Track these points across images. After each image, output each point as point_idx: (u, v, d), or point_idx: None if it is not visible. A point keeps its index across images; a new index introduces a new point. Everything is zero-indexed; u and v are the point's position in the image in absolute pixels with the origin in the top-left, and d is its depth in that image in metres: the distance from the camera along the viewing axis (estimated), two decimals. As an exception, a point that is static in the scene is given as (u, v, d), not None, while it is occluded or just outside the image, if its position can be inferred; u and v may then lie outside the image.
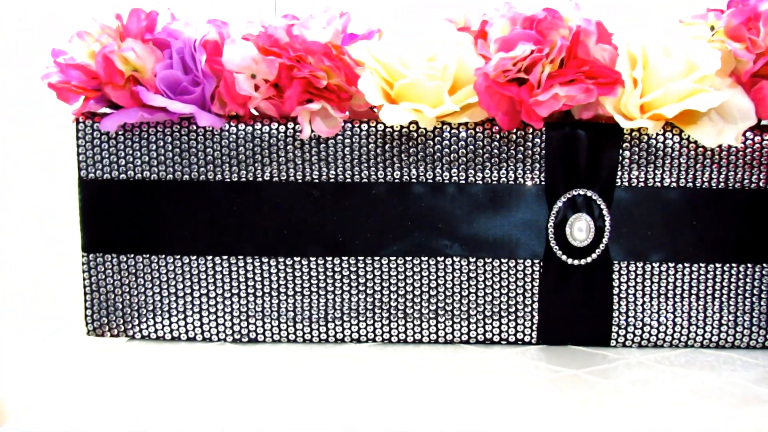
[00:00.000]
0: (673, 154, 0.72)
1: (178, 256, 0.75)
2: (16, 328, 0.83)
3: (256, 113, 0.74)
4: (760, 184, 0.73)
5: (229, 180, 0.73)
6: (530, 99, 0.68)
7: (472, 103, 0.69)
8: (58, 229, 0.97)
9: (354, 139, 0.72)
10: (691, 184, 0.73)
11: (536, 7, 0.74)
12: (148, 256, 0.75)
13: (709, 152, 0.72)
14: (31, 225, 0.98)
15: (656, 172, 0.73)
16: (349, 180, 0.73)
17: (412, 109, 0.68)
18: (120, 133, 0.73)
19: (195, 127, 0.72)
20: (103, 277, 0.76)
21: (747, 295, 0.75)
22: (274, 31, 0.71)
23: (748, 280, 0.74)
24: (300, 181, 0.73)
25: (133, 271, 0.75)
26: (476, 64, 0.70)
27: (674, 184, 0.73)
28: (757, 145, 0.72)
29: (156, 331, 0.76)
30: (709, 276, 0.74)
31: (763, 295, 0.75)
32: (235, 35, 0.74)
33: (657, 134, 0.72)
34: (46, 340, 0.80)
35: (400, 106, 0.68)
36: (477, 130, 0.72)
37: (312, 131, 0.71)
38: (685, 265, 0.74)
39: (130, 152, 0.73)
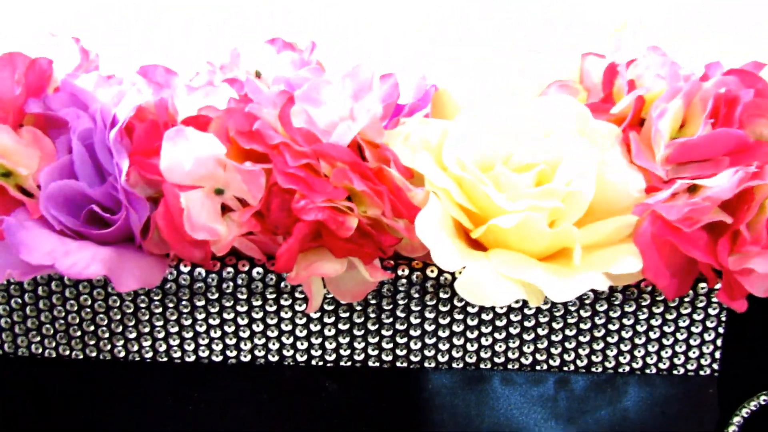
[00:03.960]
0: None
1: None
2: None
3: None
4: None
5: (179, 360, 0.38)
6: (738, 266, 0.33)
7: (625, 274, 0.34)
8: None
9: (398, 296, 0.37)
10: None
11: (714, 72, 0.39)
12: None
13: None
14: None
15: None
16: (389, 363, 0.38)
17: (520, 281, 0.33)
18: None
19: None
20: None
21: None
22: (256, 109, 0.35)
23: None
24: (304, 364, 0.38)
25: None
26: (622, 179, 0.35)
27: None
28: None
29: None
30: None
31: None
32: (185, 105, 0.37)
33: None
34: None
35: (497, 275, 0.33)
36: (611, 288, 0.37)
37: (324, 303, 0.36)
38: None
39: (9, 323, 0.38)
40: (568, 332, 0.38)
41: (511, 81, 0.41)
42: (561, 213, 0.34)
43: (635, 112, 0.36)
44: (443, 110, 0.41)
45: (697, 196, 0.32)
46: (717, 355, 0.38)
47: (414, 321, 0.37)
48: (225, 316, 0.36)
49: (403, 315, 0.37)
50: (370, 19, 0.92)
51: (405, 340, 0.37)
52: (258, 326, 0.37)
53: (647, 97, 0.37)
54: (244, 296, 0.36)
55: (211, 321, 0.37)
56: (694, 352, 0.38)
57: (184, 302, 0.36)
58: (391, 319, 0.37)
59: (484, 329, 0.37)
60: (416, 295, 0.36)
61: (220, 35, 0.70)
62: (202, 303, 0.36)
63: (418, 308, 0.37)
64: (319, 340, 0.37)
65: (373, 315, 0.37)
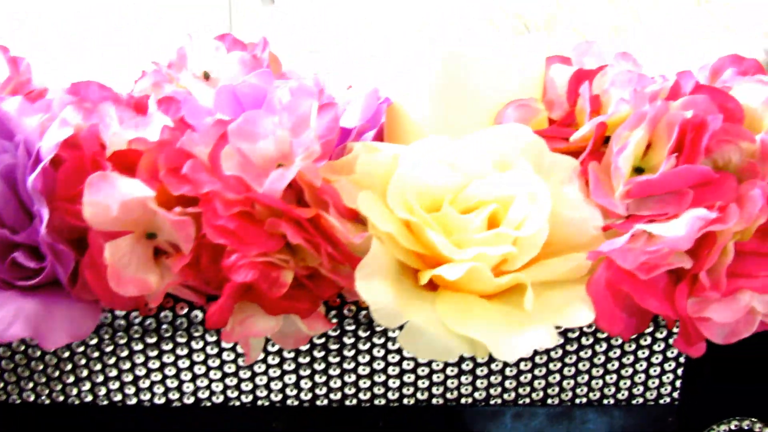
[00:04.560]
0: None
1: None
2: None
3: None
4: None
5: (121, 403, 0.36)
6: (696, 311, 0.31)
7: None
8: None
9: (345, 337, 0.35)
10: None
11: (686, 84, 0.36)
12: None
13: None
14: None
15: None
16: (337, 402, 0.37)
17: (464, 337, 0.31)
18: None
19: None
20: None
21: None
22: (188, 145, 0.32)
23: None
24: (249, 404, 0.37)
25: None
26: (579, 216, 0.33)
27: None
28: None
29: None
30: None
31: None
32: (115, 137, 0.34)
33: None
34: None
35: (442, 329, 0.31)
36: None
37: (267, 344, 0.34)
38: None
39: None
40: (522, 366, 0.36)
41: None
42: (512, 255, 0.32)
43: (596, 141, 0.33)
44: (397, 129, 0.38)
45: (654, 243, 0.30)
46: (677, 384, 0.37)
47: (362, 360, 0.35)
48: (165, 359, 0.35)
49: (351, 354, 0.35)
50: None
51: (353, 378, 0.36)
52: (200, 369, 0.35)
53: (610, 122, 0.34)
54: (184, 339, 0.34)
55: (150, 365, 0.35)
56: (653, 382, 0.37)
57: (121, 346, 0.34)
58: (338, 359, 0.35)
59: (435, 366, 0.36)
60: (364, 335, 0.35)
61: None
62: (140, 347, 0.34)
63: (366, 347, 0.35)
64: (264, 380, 0.35)
65: (319, 355, 0.35)
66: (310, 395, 0.36)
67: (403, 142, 0.37)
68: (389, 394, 0.36)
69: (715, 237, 0.30)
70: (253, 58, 0.45)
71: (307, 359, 0.35)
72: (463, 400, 0.36)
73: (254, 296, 0.30)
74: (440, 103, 0.37)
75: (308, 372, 0.35)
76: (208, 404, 0.36)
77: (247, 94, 0.40)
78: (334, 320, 0.34)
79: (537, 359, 0.36)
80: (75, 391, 0.35)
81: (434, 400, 0.36)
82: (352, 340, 0.35)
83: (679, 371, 0.37)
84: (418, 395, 0.36)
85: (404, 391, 0.36)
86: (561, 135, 0.35)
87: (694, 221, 0.29)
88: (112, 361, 0.35)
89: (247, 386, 0.35)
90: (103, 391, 0.35)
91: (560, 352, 0.36)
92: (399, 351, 0.35)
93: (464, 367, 0.36)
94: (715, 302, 0.31)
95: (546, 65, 0.39)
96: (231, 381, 0.35)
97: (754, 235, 0.31)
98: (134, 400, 0.35)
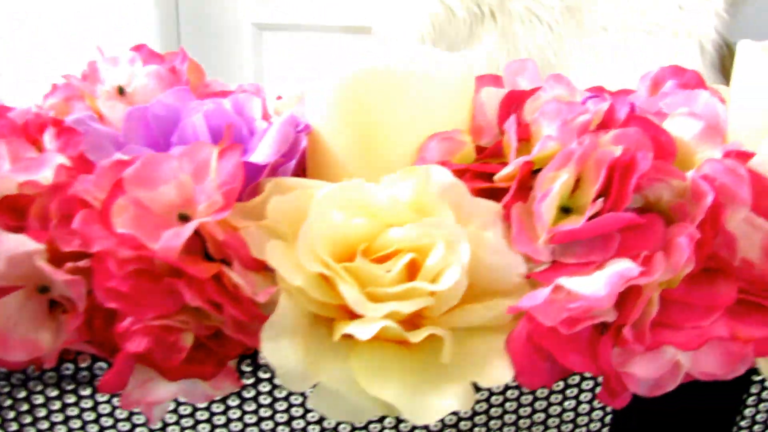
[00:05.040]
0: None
1: None
2: None
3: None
4: None
5: (26, 453, 0.34)
6: (619, 364, 0.30)
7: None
8: None
9: (261, 384, 0.34)
10: None
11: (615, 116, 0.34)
12: None
13: None
14: None
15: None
16: (256, 447, 0.35)
17: (380, 403, 0.29)
18: None
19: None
20: None
21: None
22: (82, 191, 0.29)
23: None
24: (164, 452, 0.35)
25: None
26: (501, 263, 0.31)
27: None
28: None
29: None
30: None
31: None
32: (7, 181, 0.32)
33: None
34: None
35: (354, 390, 0.29)
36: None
37: (176, 405, 0.32)
38: None
39: None
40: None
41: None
42: (430, 307, 0.30)
43: (521, 180, 0.31)
44: (316, 160, 0.36)
45: (576, 299, 0.28)
46: (607, 420, 0.36)
47: (280, 407, 0.33)
48: (69, 413, 0.33)
49: (267, 402, 0.33)
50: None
51: (271, 426, 0.34)
52: (107, 421, 0.33)
53: (536, 159, 0.32)
54: (88, 392, 0.32)
55: (54, 418, 0.33)
56: (582, 420, 0.36)
57: (20, 401, 0.32)
58: (254, 407, 0.33)
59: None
60: (281, 382, 0.33)
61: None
62: (41, 401, 0.32)
63: (283, 394, 0.33)
64: (177, 430, 0.34)
65: (234, 404, 0.33)
66: (228, 445, 0.34)
67: (323, 175, 0.35)
68: (310, 441, 0.35)
69: (640, 289, 0.29)
70: (170, 71, 0.42)
71: (222, 408, 0.33)
72: (387, 444, 0.35)
73: (151, 362, 0.28)
74: (356, 128, 0.35)
75: (223, 421, 0.34)
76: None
77: (161, 116, 0.38)
78: (248, 368, 0.33)
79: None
80: (-26, 446, 0.33)
81: (357, 445, 0.35)
82: (269, 387, 0.33)
83: (609, 407, 0.36)
84: (340, 440, 0.35)
85: (325, 436, 0.35)
86: (486, 171, 0.32)
87: (615, 280, 0.28)
88: (11, 416, 0.33)
89: (159, 438, 0.34)
90: (4, 445, 0.33)
91: (486, 393, 0.34)
92: (318, 397, 0.33)
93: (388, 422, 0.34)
94: (638, 356, 0.29)
95: (476, 87, 0.37)
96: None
97: (681, 282, 0.30)
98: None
